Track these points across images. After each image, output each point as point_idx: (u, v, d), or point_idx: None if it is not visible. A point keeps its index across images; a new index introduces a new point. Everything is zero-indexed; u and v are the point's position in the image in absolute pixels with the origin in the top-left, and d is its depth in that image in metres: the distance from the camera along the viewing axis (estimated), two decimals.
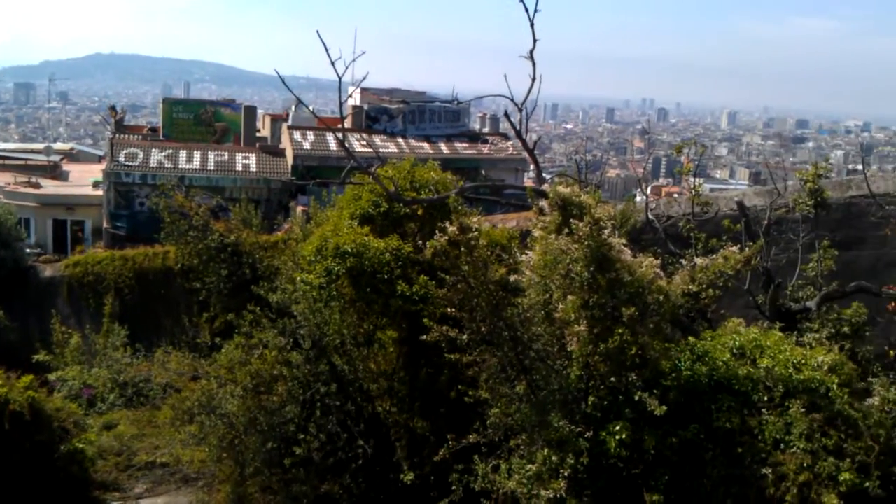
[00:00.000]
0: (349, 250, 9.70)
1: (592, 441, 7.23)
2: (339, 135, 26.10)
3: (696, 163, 13.02)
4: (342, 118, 12.30)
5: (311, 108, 22.15)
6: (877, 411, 7.70)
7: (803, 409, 7.25)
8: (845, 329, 9.69)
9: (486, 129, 45.53)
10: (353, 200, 11.02)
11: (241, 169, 35.23)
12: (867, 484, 6.85)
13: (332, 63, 9.27)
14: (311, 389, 10.26)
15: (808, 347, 8.45)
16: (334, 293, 10.13)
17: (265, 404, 10.12)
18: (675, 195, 14.36)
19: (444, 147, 39.58)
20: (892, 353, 9.89)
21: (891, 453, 7.38)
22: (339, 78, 9.33)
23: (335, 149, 35.15)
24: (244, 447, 10.12)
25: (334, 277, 9.84)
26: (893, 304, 10.01)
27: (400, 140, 39.19)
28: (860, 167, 12.73)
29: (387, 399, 10.74)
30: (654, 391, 7.27)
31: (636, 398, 7.18)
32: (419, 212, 10.56)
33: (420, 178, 11.02)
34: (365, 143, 30.59)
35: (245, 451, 10.13)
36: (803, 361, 7.77)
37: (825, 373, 7.66)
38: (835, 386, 7.53)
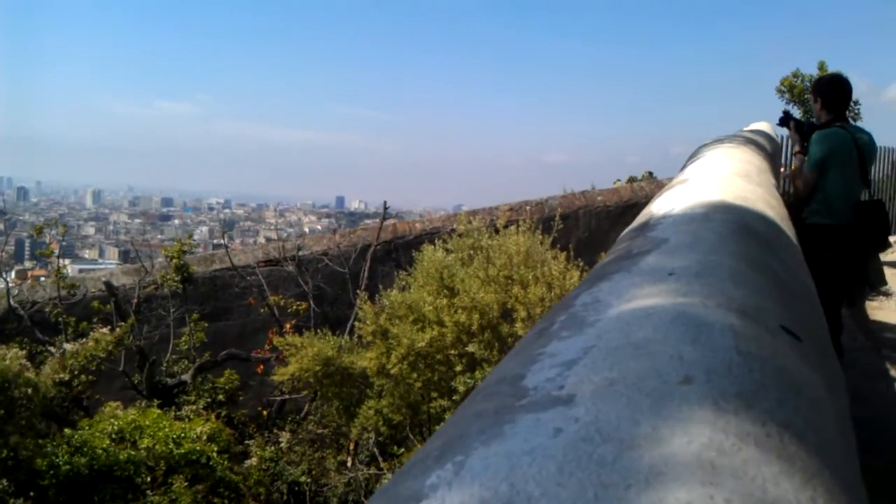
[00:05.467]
0: None
1: None
2: None
3: (62, 243, 12.46)
4: None
5: None
6: (255, 471, 8.32)
7: (187, 483, 7.42)
8: (220, 396, 10.23)
9: None
10: None
11: None
12: None
13: None
14: None
15: (187, 420, 8.71)
16: None
17: None
18: (42, 278, 13.48)
19: None
20: (265, 412, 10.79)
21: None
22: None
23: None
24: None
25: None
26: (262, 366, 10.96)
27: None
28: (224, 241, 13.75)
29: None
30: (31, 494, 6.65)
31: None
32: None
33: None
34: None
35: None
36: (183, 435, 7.96)
37: (205, 442, 7.98)
38: (214, 454, 7.88)
